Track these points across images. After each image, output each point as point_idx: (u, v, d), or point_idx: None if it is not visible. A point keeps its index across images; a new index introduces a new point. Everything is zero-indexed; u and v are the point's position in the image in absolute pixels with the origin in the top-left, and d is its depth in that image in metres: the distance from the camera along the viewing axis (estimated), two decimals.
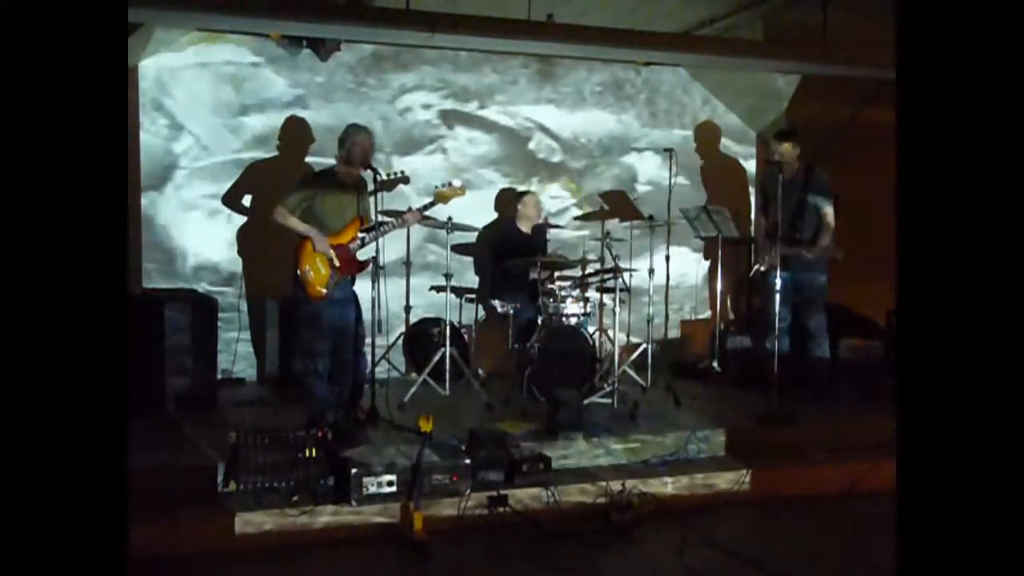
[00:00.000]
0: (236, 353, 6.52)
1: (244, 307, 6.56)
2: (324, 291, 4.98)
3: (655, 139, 7.65)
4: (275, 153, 6.68)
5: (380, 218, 5.17)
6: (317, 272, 4.98)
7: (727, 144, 7.98)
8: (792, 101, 7.24)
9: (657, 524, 4.34)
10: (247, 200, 6.59)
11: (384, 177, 5.15)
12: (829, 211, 5.97)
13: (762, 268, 6.16)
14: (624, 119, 7.65)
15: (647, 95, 7.69)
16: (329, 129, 6.24)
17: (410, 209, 5.40)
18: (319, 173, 5.35)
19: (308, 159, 6.64)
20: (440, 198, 5.41)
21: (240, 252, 6.62)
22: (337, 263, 5.00)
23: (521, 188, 7.17)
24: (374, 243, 5.11)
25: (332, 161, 5.36)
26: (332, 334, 5.05)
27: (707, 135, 7.89)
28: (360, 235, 5.16)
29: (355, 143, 5.11)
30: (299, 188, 5.12)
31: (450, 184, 5.47)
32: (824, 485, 4.89)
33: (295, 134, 6.68)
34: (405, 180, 5.40)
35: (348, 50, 6.74)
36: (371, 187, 5.17)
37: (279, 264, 5.39)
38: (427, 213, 5.57)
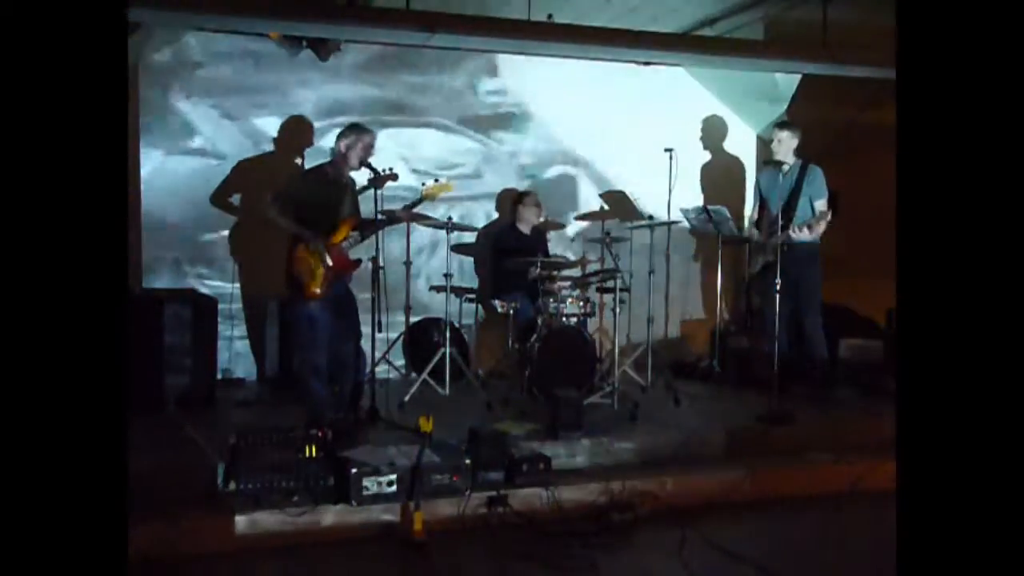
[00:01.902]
0: (237, 353, 6.52)
1: (241, 306, 6.56)
2: (319, 291, 4.98)
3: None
4: (268, 150, 6.66)
5: (378, 217, 5.17)
6: (311, 272, 4.98)
7: (726, 144, 7.98)
8: (792, 101, 7.24)
9: (657, 524, 4.34)
10: (236, 199, 6.58)
11: (377, 173, 5.17)
12: (821, 203, 5.97)
13: (756, 268, 6.18)
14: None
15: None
16: None
17: (404, 207, 5.41)
18: (309, 172, 5.34)
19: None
20: (427, 195, 5.42)
21: (234, 252, 6.62)
22: (331, 263, 5.00)
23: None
24: (374, 242, 5.12)
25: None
26: (329, 333, 5.05)
27: (713, 130, 7.90)
28: (352, 234, 5.16)
29: (358, 143, 5.11)
30: (290, 188, 5.12)
31: (436, 181, 5.48)
32: (824, 485, 4.89)
33: (294, 133, 6.66)
34: (394, 177, 5.41)
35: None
36: (362, 184, 5.19)
37: (279, 263, 5.39)
38: (420, 211, 5.58)
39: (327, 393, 5.05)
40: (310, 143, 6.66)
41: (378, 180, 5.18)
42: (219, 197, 6.55)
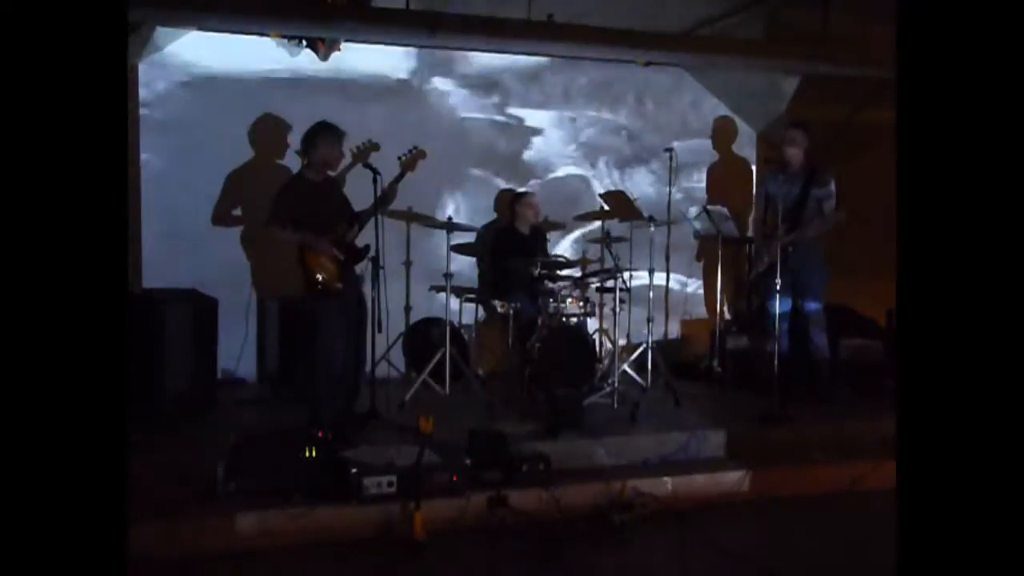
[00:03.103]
0: (238, 354, 6.51)
1: (254, 307, 6.55)
2: (340, 285, 5.04)
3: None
4: (251, 156, 6.64)
5: (381, 190, 5.16)
6: (328, 272, 5.02)
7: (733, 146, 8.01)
8: (792, 101, 7.24)
9: (657, 524, 4.35)
10: (238, 211, 6.56)
11: (355, 150, 5.18)
12: (831, 204, 5.97)
13: (760, 269, 6.17)
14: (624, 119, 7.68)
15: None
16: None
17: (390, 184, 5.40)
18: (293, 181, 5.28)
19: None
20: (407, 167, 5.42)
21: (247, 255, 6.61)
22: (341, 256, 5.05)
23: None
24: (374, 242, 5.13)
25: None
26: (347, 332, 5.09)
27: (723, 132, 7.90)
28: (351, 227, 5.18)
29: (327, 145, 5.11)
30: (281, 200, 5.10)
31: (411, 151, 5.47)
32: (824, 485, 4.89)
33: (268, 132, 6.61)
34: (376, 147, 5.40)
35: None
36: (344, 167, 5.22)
37: (279, 264, 5.40)
38: (419, 212, 5.59)
39: (331, 393, 5.06)
40: (286, 139, 6.57)
41: (360, 155, 5.19)
42: (219, 214, 6.50)
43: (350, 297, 5.13)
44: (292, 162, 6.41)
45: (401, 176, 5.38)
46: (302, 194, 5.09)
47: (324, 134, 5.13)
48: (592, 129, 7.61)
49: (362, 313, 5.21)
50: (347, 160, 5.24)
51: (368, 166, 5.15)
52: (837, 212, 5.89)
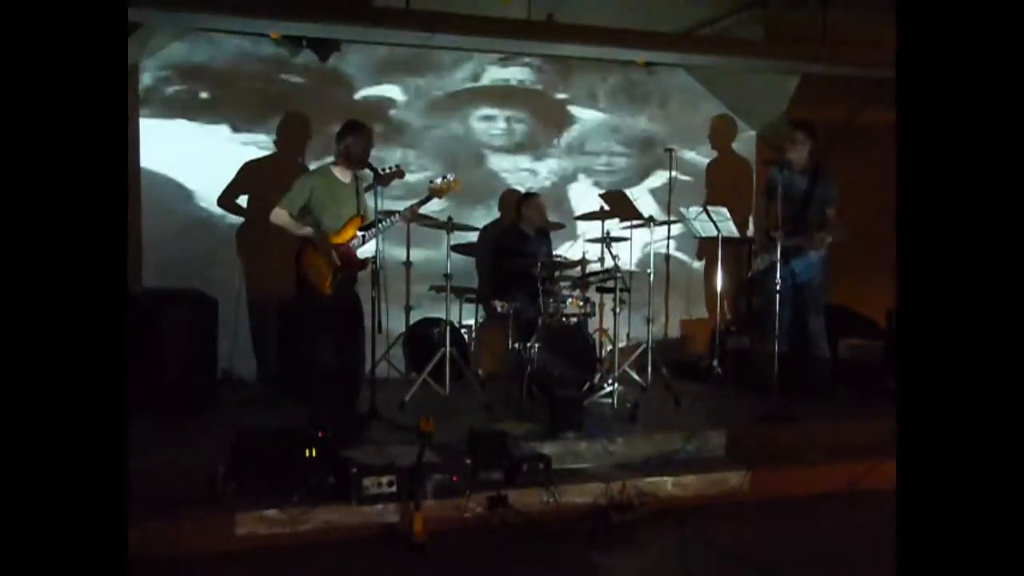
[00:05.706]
0: (235, 353, 6.51)
1: (245, 307, 6.55)
2: (328, 291, 5.00)
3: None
4: (271, 151, 6.68)
5: (380, 214, 5.17)
6: (319, 273, 4.99)
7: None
8: (792, 101, 7.24)
9: (657, 524, 4.34)
10: (243, 200, 6.58)
11: (381, 172, 5.16)
12: (833, 212, 5.98)
13: (761, 267, 6.16)
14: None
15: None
16: None
17: (412, 205, 5.42)
18: (315, 171, 5.34)
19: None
20: (436, 193, 5.42)
21: (239, 252, 6.61)
22: (339, 262, 5.01)
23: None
24: (374, 242, 5.12)
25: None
26: (335, 334, 5.05)
27: (722, 131, 7.90)
28: (359, 233, 5.16)
29: (355, 141, 5.12)
30: (296, 188, 5.12)
31: (445, 178, 5.47)
32: (824, 485, 4.89)
33: (294, 130, 6.65)
34: (400, 174, 5.41)
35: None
36: (368, 183, 5.19)
37: (280, 263, 5.39)
38: (425, 212, 5.58)
39: (329, 394, 5.05)
40: (309, 137, 6.64)
41: (383, 178, 5.18)
42: (226, 198, 6.53)
43: (341, 301, 5.09)
44: (311, 162, 6.46)
45: (427, 200, 5.39)
46: (320, 184, 5.10)
47: (345, 130, 5.16)
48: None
49: (355, 316, 5.19)
50: (370, 180, 5.23)
51: (368, 165, 5.14)
52: (840, 230, 5.86)
